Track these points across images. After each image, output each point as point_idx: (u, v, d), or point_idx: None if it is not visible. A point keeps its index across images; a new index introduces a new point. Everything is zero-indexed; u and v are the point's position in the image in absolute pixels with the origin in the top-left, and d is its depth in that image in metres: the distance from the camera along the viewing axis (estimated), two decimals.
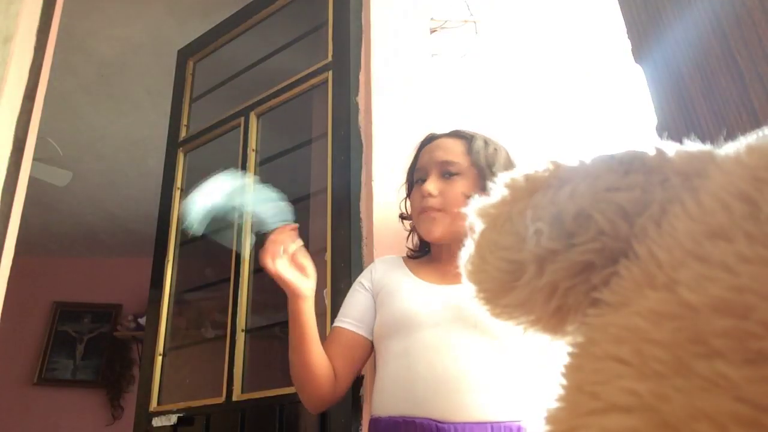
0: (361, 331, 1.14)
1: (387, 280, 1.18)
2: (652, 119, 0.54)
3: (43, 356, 4.51)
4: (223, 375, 1.70)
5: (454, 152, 1.20)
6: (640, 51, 0.56)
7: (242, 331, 1.73)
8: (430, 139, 1.26)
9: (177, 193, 2.10)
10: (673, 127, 0.50)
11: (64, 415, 4.30)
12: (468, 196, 1.14)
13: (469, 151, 1.20)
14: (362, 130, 1.58)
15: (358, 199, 1.51)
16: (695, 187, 0.26)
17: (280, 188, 1.22)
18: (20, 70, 1.50)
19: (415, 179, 1.22)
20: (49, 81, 1.61)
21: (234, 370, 1.68)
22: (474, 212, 0.35)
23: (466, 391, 0.99)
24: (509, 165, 1.23)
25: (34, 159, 1.56)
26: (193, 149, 2.17)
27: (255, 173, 1.88)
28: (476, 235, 0.35)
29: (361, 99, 1.61)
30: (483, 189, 1.18)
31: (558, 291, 0.30)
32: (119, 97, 3.07)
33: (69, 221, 4.33)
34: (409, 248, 1.28)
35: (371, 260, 1.39)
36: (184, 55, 2.33)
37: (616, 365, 0.23)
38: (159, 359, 1.91)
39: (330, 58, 1.72)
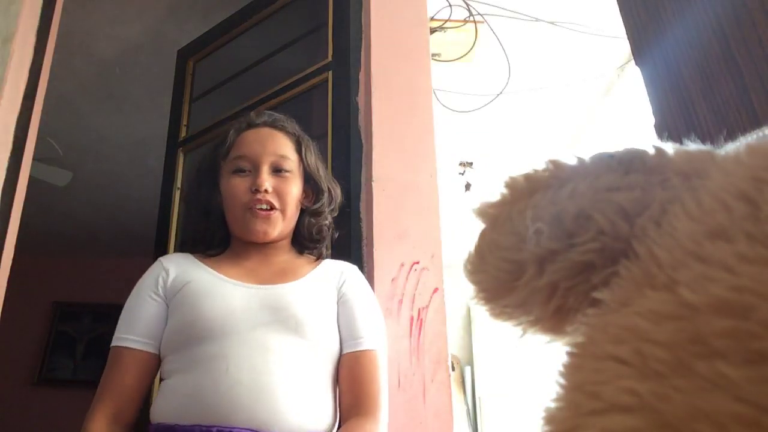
0: (152, 349, 1.00)
1: (186, 281, 1.03)
2: (652, 119, 0.54)
3: (43, 356, 4.51)
4: None
5: (287, 148, 1.11)
6: (640, 51, 0.56)
7: None
8: (252, 125, 1.14)
9: (177, 193, 2.10)
10: (673, 127, 0.50)
11: (64, 415, 4.29)
12: (298, 200, 1.11)
13: (300, 152, 1.13)
14: (362, 130, 1.58)
15: (358, 199, 1.51)
16: (695, 187, 0.26)
17: None
18: (20, 70, 1.50)
19: (233, 168, 1.09)
20: (49, 81, 1.61)
21: None
22: (474, 212, 0.35)
23: (288, 398, 0.92)
24: (329, 180, 1.17)
25: (34, 159, 1.56)
26: (193, 149, 2.17)
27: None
28: (476, 235, 0.35)
29: (361, 99, 1.61)
30: (309, 197, 1.14)
31: (558, 291, 0.30)
32: (119, 97, 3.08)
33: (69, 221, 4.33)
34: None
35: (371, 260, 1.38)
36: (184, 55, 2.33)
37: (616, 365, 0.23)
38: None
39: (330, 58, 1.72)
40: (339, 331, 1.05)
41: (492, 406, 4.70)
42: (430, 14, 2.09)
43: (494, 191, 0.35)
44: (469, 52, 2.34)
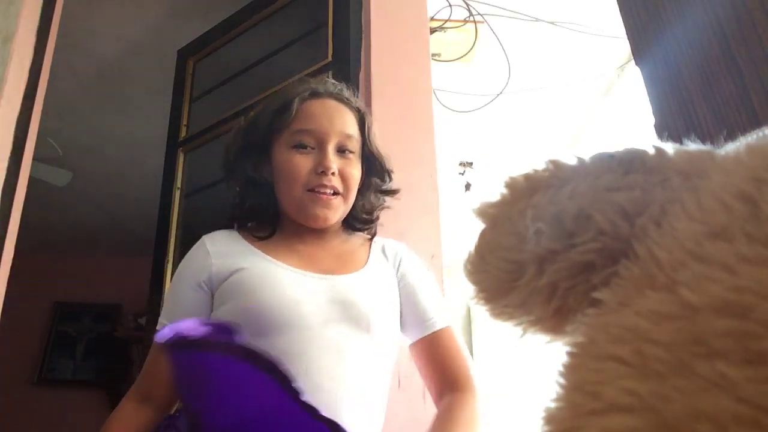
0: None
1: (236, 267, 0.92)
2: (652, 119, 0.54)
3: (43, 356, 4.51)
4: None
5: (353, 126, 1.01)
6: (640, 51, 0.56)
7: None
8: (317, 94, 1.02)
9: (177, 193, 2.10)
10: (673, 127, 0.50)
11: (64, 415, 4.29)
12: (359, 179, 1.01)
13: (364, 130, 1.03)
14: None
15: None
16: (695, 187, 0.26)
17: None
18: (20, 70, 1.50)
19: (294, 142, 0.97)
20: (49, 81, 1.61)
21: None
22: (474, 212, 0.35)
23: (355, 410, 0.84)
24: (387, 169, 1.08)
25: (34, 159, 1.56)
26: (193, 149, 2.17)
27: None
28: (476, 235, 0.35)
29: (361, 99, 1.61)
30: (368, 184, 1.05)
31: (558, 291, 0.30)
32: (119, 97, 3.07)
33: (69, 221, 4.33)
34: (235, 219, 1.05)
35: None
36: (184, 55, 2.33)
37: (616, 365, 0.23)
38: None
39: (330, 58, 1.72)
40: (402, 318, 0.98)
41: (492, 406, 4.70)
42: (430, 14, 2.09)
43: (494, 191, 0.35)
44: (469, 52, 2.34)
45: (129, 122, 3.27)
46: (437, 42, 2.27)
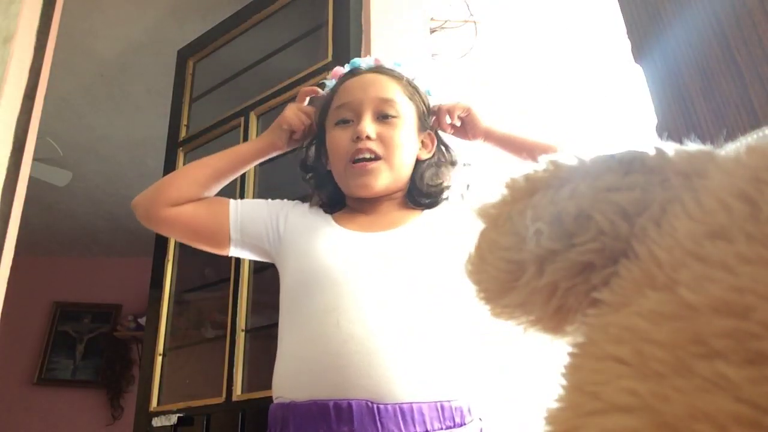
0: (231, 222, 1.00)
1: (303, 223, 0.99)
2: (652, 119, 0.54)
3: (43, 356, 4.51)
4: (223, 375, 1.70)
5: (393, 91, 1.01)
6: (640, 51, 0.56)
7: (242, 331, 1.73)
8: (357, 73, 1.04)
9: None
10: (673, 127, 0.50)
11: (64, 415, 4.30)
12: (409, 148, 1.00)
13: (408, 93, 1.03)
14: None
15: None
16: (695, 187, 0.26)
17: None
18: (20, 70, 1.49)
19: (335, 119, 1.00)
20: (49, 81, 1.61)
21: (234, 370, 1.68)
22: (474, 212, 0.35)
23: (409, 359, 0.81)
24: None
25: (34, 159, 1.57)
26: (193, 149, 2.17)
27: (255, 173, 1.89)
28: (476, 235, 0.35)
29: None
30: (429, 147, 1.06)
31: (558, 291, 0.30)
32: (119, 97, 3.08)
33: (69, 221, 4.33)
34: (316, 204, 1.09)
35: None
36: (184, 55, 2.33)
37: (616, 365, 0.23)
38: (159, 359, 1.91)
39: (330, 58, 1.72)
40: None
41: (493, 409, 4.70)
42: (430, 14, 2.09)
43: (494, 191, 0.35)
44: (469, 52, 2.34)
45: (129, 122, 3.27)
46: (437, 42, 2.27)
